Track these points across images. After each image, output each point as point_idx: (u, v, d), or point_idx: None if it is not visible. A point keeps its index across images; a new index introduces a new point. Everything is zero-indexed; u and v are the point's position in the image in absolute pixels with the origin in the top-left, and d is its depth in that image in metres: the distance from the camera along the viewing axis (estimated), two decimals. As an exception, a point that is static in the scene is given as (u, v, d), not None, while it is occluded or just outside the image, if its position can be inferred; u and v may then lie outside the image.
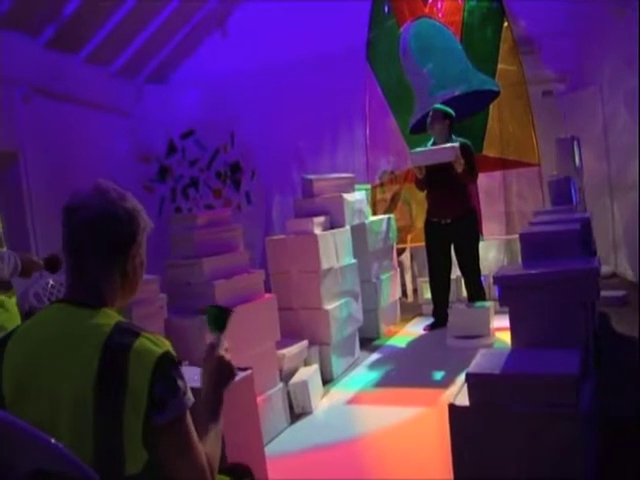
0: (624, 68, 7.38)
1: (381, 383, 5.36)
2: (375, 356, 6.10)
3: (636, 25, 6.61)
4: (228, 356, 2.03)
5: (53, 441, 1.37)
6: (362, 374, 5.61)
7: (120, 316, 1.74)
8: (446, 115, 6.57)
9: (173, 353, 1.66)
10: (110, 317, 1.69)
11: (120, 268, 1.77)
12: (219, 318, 2.12)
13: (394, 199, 8.03)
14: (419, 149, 6.63)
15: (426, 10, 7.86)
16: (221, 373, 1.99)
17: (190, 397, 1.66)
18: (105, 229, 1.72)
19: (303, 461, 3.95)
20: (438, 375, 5.38)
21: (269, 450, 3.89)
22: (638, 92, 6.56)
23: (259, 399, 3.82)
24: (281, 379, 4.57)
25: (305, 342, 5.09)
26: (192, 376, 2.63)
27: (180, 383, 1.63)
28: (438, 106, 6.73)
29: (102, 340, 1.60)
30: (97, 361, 1.56)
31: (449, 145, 6.32)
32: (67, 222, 1.74)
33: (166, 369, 1.61)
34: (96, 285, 1.74)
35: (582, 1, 7.89)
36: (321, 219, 5.82)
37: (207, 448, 1.74)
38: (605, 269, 7.21)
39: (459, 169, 6.25)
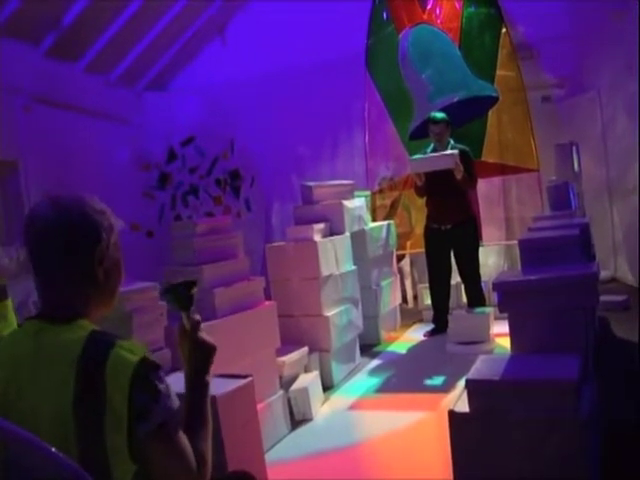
0: (623, 73, 7.40)
1: (381, 389, 5.36)
2: (375, 362, 6.10)
3: (634, 30, 6.62)
4: (203, 334, 1.88)
5: (53, 450, 1.36)
6: (362, 380, 5.60)
7: (93, 325, 1.65)
8: (444, 121, 6.58)
9: (150, 358, 1.60)
10: (82, 329, 1.61)
11: (87, 273, 1.67)
12: (182, 295, 1.91)
13: (394, 205, 8.04)
14: (418, 156, 6.65)
15: (425, 16, 7.88)
16: (199, 354, 1.85)
17: (174, 400, 1.60)
18: (60, 234, 1.64)
19: (304, 468, 3.94)
20: (438, 381, 5.38)
21: (270, 457, 3.88)
22: (638, 97, 6.57)
23: (259, 406, 3.82)
24: (281, 386, 4.57)
25: (305, 349, 5.09)
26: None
27: (161, 387, 1.57)
28: (435, 113, 6.74)
29: (75, 356, 1.54)
30: (73, 379, 1.52)
31: (448, 152, 6.33)
32: (25, 238, 1.67)
33: (145, 376, 1.55)
34: (64, 297, 1.66)
35: (581, 6, 7.91)
36: (321, 226, 5.83)
37: (200, 443, 1.70)
38: (605, 274, 7.22)
39: (458, 176, 6.26)
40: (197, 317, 1.88)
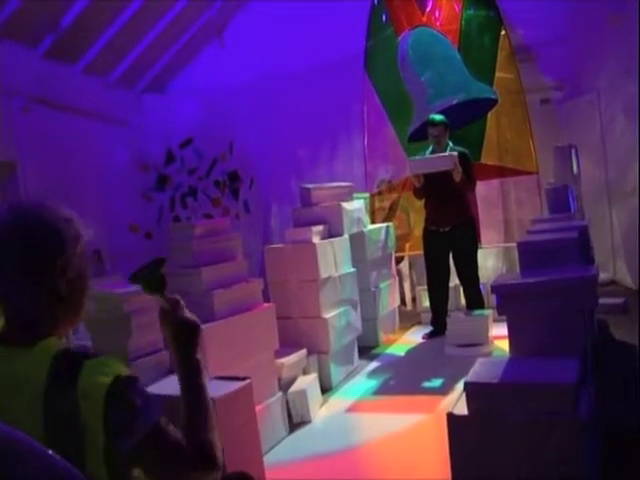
0: (622, 75, 7.40)
1: (380, 391, 5.36)
2: (374, 364, 6.09)
3: (632, 33, 6.63)
4: (184, 311, 1.77)
5: (50, 452, 1.35)
6: (361, 382, 5.60)
7: (58, 344, 1.54)
8: (442, 124, 6.58)
9: (123, 374, 1.48)
10: (46, 352, 1.49)
11: (49, 288, 1.53)
12: (152, 277, 1.79)
13: (392, 207, 8.04)
14: (417, 157, 6.65)
15: (424, 19, 7.89)
16: (183, 334, 1.74)
17: (156, 408, 1.51)
18: (18, 245, 1.50)
19: (302, 470, 3.94)
20: (437, 383, 5.38)
21: (268, 459, 3.88)
22: (638, 99, 6.57)
23: (258, 408, 3.82)
24: (280, 388, 4.57)
25: (304, 351, 5.09)
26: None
27: (139, 402, 1.47)
28: (433, 115, 6.74)
29: (43, 383, 1.43)
30: (42, 408, 1.42)
31: (447, 154, 6.33)
32: None
33: (120, 395, 1.44)
34: (26, 316, 1.53)
35: (579, 9, 7.92)
36: (320, 228, 5.83)
37: (202, 433, 1.61)
38: (603, 276, 7.21)
39: (457, 177, 6.26)
40: (175, 296, 1.78)
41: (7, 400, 1.46)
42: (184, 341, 1.74)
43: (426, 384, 5.40)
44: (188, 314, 1.78)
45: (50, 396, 1.43)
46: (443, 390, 5.11)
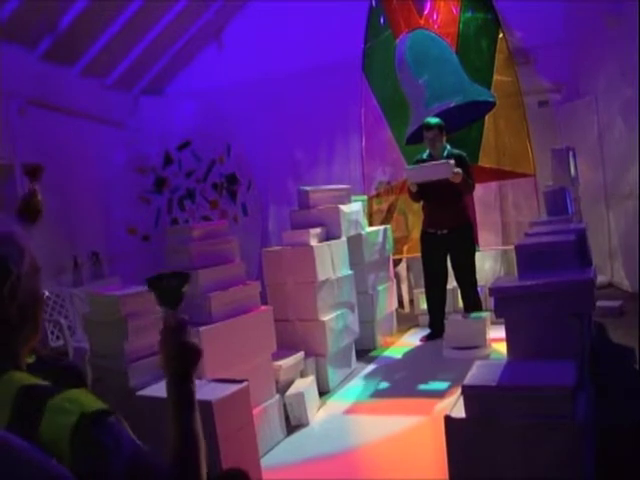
0: (619, 78, 7.41)
1: (377, 394, 5.35)
2: (371, 367, 6.09)
3: (630, 35, 6.64)
4: (189, 336, 1.68)
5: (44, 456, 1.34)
6: (358, 385, 5.60)
7: (19, 380, 1.40)
8: (437, 127, 6.58)
9: (90, 409, 1.34)
10: (9, 389, 1.37)
11: (0, 315, 1.42)
12: (171, 290, 1.69)
13: (390, 210, 8.03)
14: (415, 166, 6.65)
15: (422, 21, 7.88)
16: (183, 358, 1.65)
17: (128, 445, 1.36)
18: None
19: (299, 473, 3.93)
20: (434, 386, 5.38)
21: (265, 462, 3.87)
22: (638, 101, 6.57)
23: (255, 411, 3.82)
24: (277, 391, 4.56)
25: (301, 353, 5.08)
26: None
27: (108, 441, 1.33)
28: (429, 119, 6.74)
29: (4, 426, 1.32)
30: None
31: (444, 162, 6.32)
32: None
33: (86, 437, 1.31)
34: None
35: (577, 12, 7.93)
36: (317, 230, 5.83)
37: (192, 470, 1.52)
38: (601, 279, 7.21)
39: (457, 180, 6.25)
40: (184, 317, 1.69)
41: None
42: (182, 366, 1.65)
43: (424, 387, 5.40)
44: (193, 339, 1.68)
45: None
46: (441, 392, 5.10)
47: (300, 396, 4.67)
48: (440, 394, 5.06)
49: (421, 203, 6.86)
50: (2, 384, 1.38)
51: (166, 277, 1.69)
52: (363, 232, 6.80)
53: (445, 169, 6.24)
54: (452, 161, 6.28)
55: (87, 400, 1.37)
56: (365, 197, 7.83)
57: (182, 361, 1.64)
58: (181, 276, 1.71)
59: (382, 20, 8.09)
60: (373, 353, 6.55)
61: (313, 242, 5.63)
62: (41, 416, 1.31)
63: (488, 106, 7.44)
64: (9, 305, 1.42)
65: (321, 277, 5.52)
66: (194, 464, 1.54)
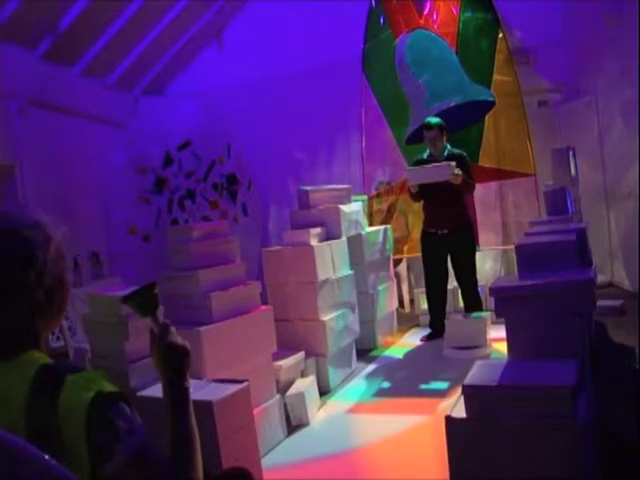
0: (619, 78, 7.41)
1: (378, 394, 5.35)
2: (372, 367, 6.09)
3: (630, 35, 6.64)
4: (174, 337, 1.74)
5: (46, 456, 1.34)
6: (359, 385, 5.59)
7: (41, 357, 1.49)
8: (437, 127, 6.58)
9: (106, 390, 1.44)
10: (29, 365, 1.46)
11: (27, 299, 1.49)
12: (144, 300, 1.78)
13: (390, 210, 8.03)
14: (415, 167, 6.64)
15: (421, 21, 7.88)
16: (171, 360, 1.71)
17: (137, 433, 1.45)
18: None
19: (300, 473, 3.93)
20: (435, 385, 5.38)
21: (266, 462, 3.87)
22: (638, 101, 6.58)
23: (255, 411, 3.82)
24: (278, 391, 4.56)
25: (302, 353, 5.08)
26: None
27: (120, 422, 1.42)
28: (429, 118, 6.74)
29: (25, 397, 1.40)
30: (24, 423, 1.38)
31: (445, 163, 6.32)
32: None
33: (102, 414, 1.40)
34: (5, 332, 1.49)
35: (577, 12, 7.93)
36: (317, 230, 5.82)
37: (187, 465, 1.58)
38: (601, 278, 7.21)
39: (458, 181, 6.25)
40: (166, 321, 1.76)
41: None
42: (172, 367, 1.70)
43: (424, 386, 5.39)
44: (178, 339, 1.74)
45: (31, 412, 1.39)
46: (441, 392, 5.10)
47: (301, 396, 4.67)
48: (441, 394, 5.06)
49: (421, 203, 6.86)
50: (23, 361, 1.46)
51: (135, 291, 1.78)
52: (363, 232, 6.80)
53: (446, 171, 6.24)
54: (453, 163, 6.28)
55: (104, 382, 1.46)
56: (365, 197, 7.83)
57: (171, 361, 1.71)
58: (148, 285, 1.79)
59: (382, 20, 8.09)
60: (373, 353, 6.55)
61: (313, 242, 5.63)
62: (60, 389, 1.39)
63: (488, 106, 7.44)
64: (36, 289, 1.49)
65: (321, 277, 5.52)
66: (189, 457, 1.60)
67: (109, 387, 1.46)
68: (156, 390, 3.32)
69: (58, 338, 6.17)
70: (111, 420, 1.42)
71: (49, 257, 1.52)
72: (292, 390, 4.74)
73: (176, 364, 1.71)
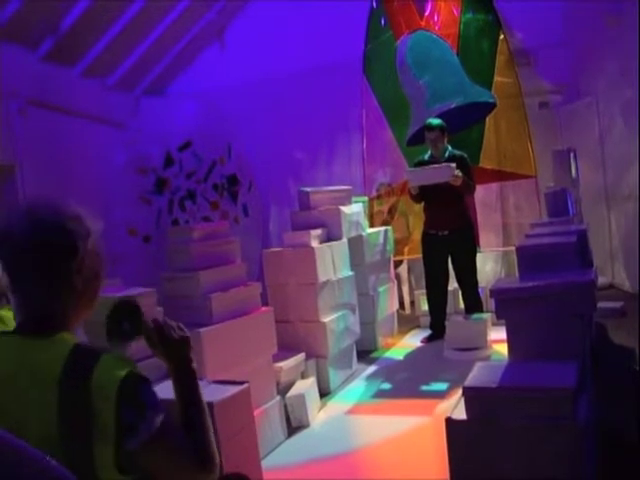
0: (620, 79, 7.41)
1: (378, 395, 5.35)
2: (372, 368, 6.09)
3: (630, 36, 6.63)
4: (169, 331, 1.83)
5: (48, 458, 1.35)
6: (359, 386, 5.60)
7: (75, 338, 1.62)
8: (439, 128, 6.58)
9: (137, 372, 1.57)
10: (64, 343, 1.57)
11: (66, 285, 1.62)
12: (132, 325, 1.79)
13: (391, 211, 8.03)
14: (415, 168, 6.65)
15: (422, 23, 7.88)
16: (175, 353, 1.83)
17: (160, 415, 1.57)
18: (37, 250, 1.57)
19: (300, 474, 3.94)
20: (436, 387, 5.38)
21: (266, 463, 3.87)
22: (638, 102, 6.57)
23: (256, 412, 3.81)
24: (278, 392, 4.56)
25: (302, 355, 5.08)
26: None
27: (147, 402, 1.55)
28: (430, 120, 6.74)
29: (59, 373, 1.50)
30: (57, 395, 1.48)
31: (445, 165, 6.33)
32: (0, 253, 1.61)
33: (131, 392, 1.52)
34: (44, 312, 1.61)
35: (577, 13, 7.93)
36: (318, 231, 5.83)
37: (201, 438, 1.69)
38: (602, 280, 7.21)
39: (458, 183, 6.25)
40: (155, 320, 1.84)
41: (23, 387, 1.52)
42: (177, 358, 1.83)
43: (425, 388, 5.40)
44: (173, 332, 1.83)
45: (66, 385, 1.49)
46: (441, 394, 5.10)
47: (301, 397, 4.67)
48: (441, 395, 5.06)
49: (422, 204, 6.86)
50: (58, 340, 1.58)
51: (113, 325, 1.78)
52: (364, 233, 6.80)
53: (446, 172, 6.24)
54: (453, 164, 6.28)
55: (134, 365, 1.58)
56: (366, 198, 7.83)
57: (175, 354, 1.83)
58: (132, 309, 1.80)
59: (383, 21, 8.09)
60: (374, 354, 6.55)
61: (314, 243, 5.63)
62: (95, 366, 1.51)
63: (489, 107, 7.44)
64: (76, 278, 1.62)
65: (322, 278, 5.52)
66: (205, 436, 1.72)
67: (139, 372, 1.58)
68: (157, 390, 3.32)
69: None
70: (140, 399, 1.53)
71: (88, 249, 1.65)
72: (292, 391, 4.75)
73: (180, 354, 1.83)
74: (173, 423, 1.63)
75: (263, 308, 4.68)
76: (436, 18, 7.85)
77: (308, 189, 6.41)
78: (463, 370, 3.51)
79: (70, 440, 1.47)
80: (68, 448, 1.47)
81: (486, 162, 7.48)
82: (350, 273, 6.15)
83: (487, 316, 6.25)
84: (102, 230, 1.63)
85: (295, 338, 5.39)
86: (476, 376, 3.05)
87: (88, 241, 1.65)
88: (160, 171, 9.57)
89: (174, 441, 1.61)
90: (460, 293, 6.93)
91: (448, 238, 6.58)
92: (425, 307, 7.14)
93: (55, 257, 1.60)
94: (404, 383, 5.61)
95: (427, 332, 6.89)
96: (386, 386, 5.58)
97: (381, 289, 6.97)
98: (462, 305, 6.89)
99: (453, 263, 6.72)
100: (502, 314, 3.53)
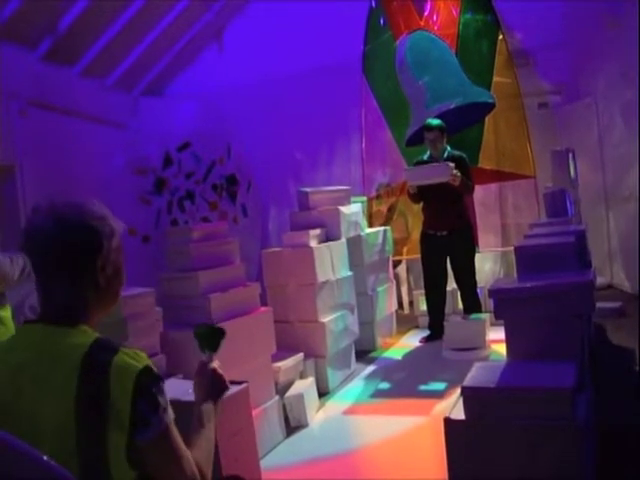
0: (619, 80, 7.41)
1: (377, 395, 5.35)
2: (371, 368, 6.09)
3: (630, 37, 6.64)
4: (221, 371, 2.03)
5: (45, 458, 1.35)
6: (358, 386, 5.59)
7: (96, 332, 1.67)
8: (438, 128, 6.59)
9: (153, 368, 1.62)
10: (87, 335, 1.63)
11: (90, 281, 1.69)
12: (211, 339, 2.10)
13: (390, 211, 8.03)
14: (414, 167, 6.65)
15: (422, 23, 7.89)
16: (214, 386, 1.99)
17: (170, 413, 1.63)
18: (62, 248, 1.63)
19: (299, 474, 3.93)
20: (434, 387, 5.38)
21: (265, 463, 3.87)
22: (638, 102, 6.58)
23: (255, 412, 3.81)
24: (277, 392, 4.56)
25: (301, 355, 5.08)
26: (186, 389, 2.63)
27: (160, 399, 1.60)
28: (430, 120, 6.74)
29: (79, 360, 1.55)
30: (75, 381, 1.53)
31: (443, 164, 6.33)
32: (26, 250, 1.69)
33: (147, 385, 1.58)
34: (68, 303, 1.67)
35: (577, 13, 7.93)
36: (317, 232, 5.83)
37: (196, 454, 1.73)
38: (601, 280, 7.21)
39: (456, 183, 6.26)
40: (216, 367, 2.05)
41: (43, 372, 1.57)
42: (212, 392, 1.98)
43: (423, 387, 5.40)
44: (223, 374, 2.05)
45: (85, 372, 1.54)
46: (440, 393, 5.10)
47: (300, 397, 4.67)
48: (439, 395, 5.06)
49: (421, 204, 6.87)
50: (80, 331, 1.64)
51: (208, 327, 2.18)
52: (363, 233, 6.80)
53: (444, 171, 6.25)
54: (452, 164, 6.28)
55: (151, 362, 1.63)
56: (365, 198, 7.83)
57: (215, 390, 2.00)
58: (221, 331, 2.16)
59: (382, 21, 8.10)
60: (373, 354, 6.55)
61: (313, 243, 5.63)
62: (115, 356, 1.56)
63: (488, 108, 7.45)
64: (99, 274, 1.69)
65: (321, 278, 5.52)
66: (206, 457, 1.80)
67: (155, 369, 1.64)
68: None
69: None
70: (153, 393, 1.59)
71: (112, 247, 1.73)
72: (291, 391, 4.74)
73: (218, 393, 2.00)
74: (178, 430, 1.67)
75: (262, 308, 4.68)
76: (435, 18, 7.86)
77: (307, 189, 6.42)
78: (462, 370, 3.51)
79: (85, 427, 1.51)
80: (82, 435, 1.51)
81: (485, 162, 7.49)
82: (349, 273, 6.16)
83: (486, 316, 6.25)
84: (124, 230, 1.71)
85: (294, 338, 5.38)
86: (474, 376, 3.05)
87: (112, 241, 1.73)
88: (159, 171, 9.56)
89: (177, 448, 1.64)
90: (459, 293, 6.93)
91: (447, 238, 6.59)
92: (424, 307, 7.13)
93: (81, 256, 1.66)
94: (403, 383, 5.61)
95: (426, 332, 6.89)
96: (385, 386, 5.58)
97: (380, 289, 6.97)
98: (461, 305, 6.90)
99: (452, 263, 6.72)
100: (501, 314, 3.53)
